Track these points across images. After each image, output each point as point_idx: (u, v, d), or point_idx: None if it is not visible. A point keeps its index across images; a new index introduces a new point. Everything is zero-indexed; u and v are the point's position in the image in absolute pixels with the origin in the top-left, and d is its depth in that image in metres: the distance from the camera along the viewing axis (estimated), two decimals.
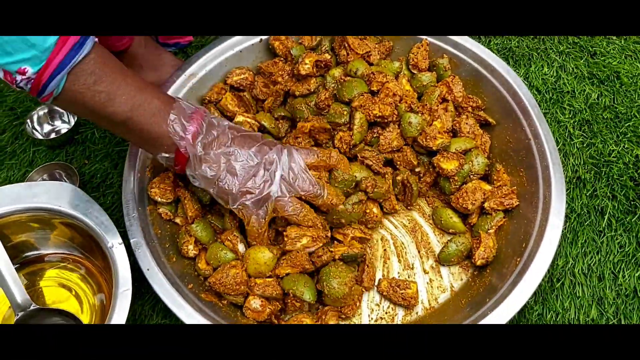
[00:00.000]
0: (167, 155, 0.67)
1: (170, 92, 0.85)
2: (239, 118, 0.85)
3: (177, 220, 0.79)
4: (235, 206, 0.69)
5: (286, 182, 0.70)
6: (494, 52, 0.89)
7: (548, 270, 0.70)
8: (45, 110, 0.95)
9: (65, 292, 0.77)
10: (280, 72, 0.88)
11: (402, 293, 0.76)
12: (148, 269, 0.70)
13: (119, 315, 0.65)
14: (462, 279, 0.79)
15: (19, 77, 0.56)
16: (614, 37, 1.07)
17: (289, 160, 0.71)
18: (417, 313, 0.77)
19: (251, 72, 0.90)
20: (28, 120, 0.93)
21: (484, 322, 0.67)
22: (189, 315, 0.67)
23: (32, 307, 0.71)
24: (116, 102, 0.61)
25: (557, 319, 0.77)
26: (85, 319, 0.74)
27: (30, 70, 0.55)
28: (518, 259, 0.73)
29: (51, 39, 0.55)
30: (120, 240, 0.70)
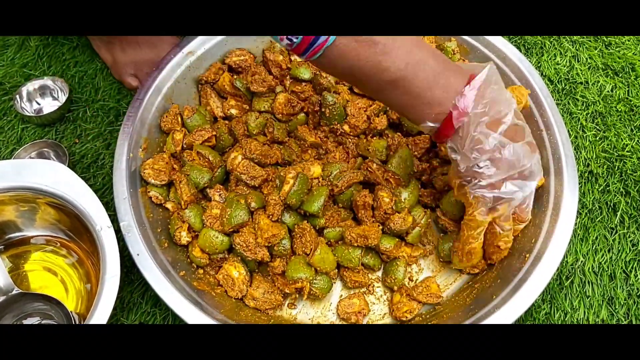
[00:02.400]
0: (432, 124, 0.62)
1: (167, 70, 0.82)
2: (233, 111, 0.84)
3: (168, 205, 0.75)
4: (479, 193, 0.65)
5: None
6: (505, 39, 0.85)
7: (557, 268, 0.67)
8: (36, 87, 0.90)
9: (51, 277, 0.73)
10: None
11: (424, 289, 0.72)
12: (138, 254, 0.66)
13: (106, 302, 0.62)
14: (467, 275, 0.76)
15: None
16: None
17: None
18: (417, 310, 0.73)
19: (252, 55, 0.86)
20: (17, 96, 0.89)
21: (489, 320, 0.64)
22: (180, 304, 0.64)
23: (14, 292, 0.67)
24: (392, 56, 0.57)
25: (566, 319, 0.73)
26: (70, 305, 0.71)
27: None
28: (527, 255, 0.69)
29: None
30: (109, 223, 0.66)
